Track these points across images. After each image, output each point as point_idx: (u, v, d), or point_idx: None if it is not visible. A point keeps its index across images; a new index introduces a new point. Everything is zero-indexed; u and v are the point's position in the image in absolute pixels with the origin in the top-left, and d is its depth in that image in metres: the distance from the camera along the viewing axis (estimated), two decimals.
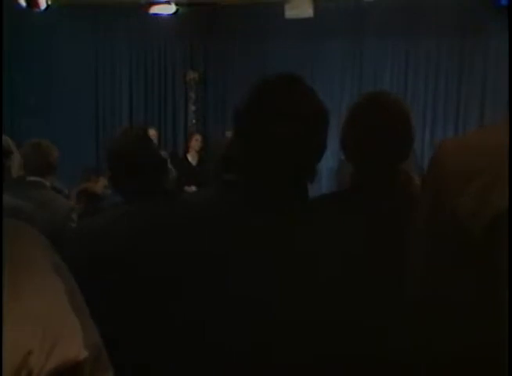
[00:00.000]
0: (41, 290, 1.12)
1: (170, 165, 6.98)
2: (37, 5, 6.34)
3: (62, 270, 1.24)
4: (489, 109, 6.60)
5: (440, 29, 6.55)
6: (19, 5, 6.25)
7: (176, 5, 6.86)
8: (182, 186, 6.82)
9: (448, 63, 6.68)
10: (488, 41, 6.53)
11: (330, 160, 7.09)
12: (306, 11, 6.20)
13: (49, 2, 6.41)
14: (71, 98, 7.22)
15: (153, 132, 6.91)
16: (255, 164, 1.19)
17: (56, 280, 1.17)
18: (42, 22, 6.69)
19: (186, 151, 6.94)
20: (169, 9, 6.89)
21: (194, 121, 7.22)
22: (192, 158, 6.89)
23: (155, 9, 6.87)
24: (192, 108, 7.21)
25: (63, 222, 2.55)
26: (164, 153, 6.95)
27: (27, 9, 6.29)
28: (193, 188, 6.71)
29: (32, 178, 2.66)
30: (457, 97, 6.71)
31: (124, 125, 7.32)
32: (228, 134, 6.45)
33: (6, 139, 2.52)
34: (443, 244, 0.97)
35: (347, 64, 6.98)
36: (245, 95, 1.19)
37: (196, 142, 6.88)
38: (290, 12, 6.25)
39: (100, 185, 4.34)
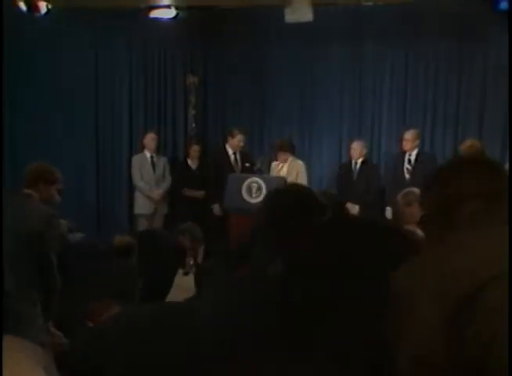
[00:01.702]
0: None
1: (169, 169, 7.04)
2: (37, 9, 6.36)
3: None
4: (488, 111, 6.62)
5: (439, 31, 6.57)
6: (19, 9, 6.27)
7: (176, 9, 6.88)
8: (180, 189, 6.84)
9: (448, 65, 6.69)
10: (488, 45, 6.55)
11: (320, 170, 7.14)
12: (306, 15, 6.20)
13: (49, 7, 6.43)
14: (71, 101, 7.21)
15: (152, 136, 6.94)
16: None
17: None
18: (42, 26, 6.69)
19: (186, 156, 6.96)
20: (169, 13, 6.91)
21: (194, 124, 7.22)
22: (192, 162, 6.91)
23: (155, 13, 6.88)
24: (192, 112, 7.21)
25: (43, 228, 2.88)
26: (163, 158, 7.01)
27: (27, 13, 6.31)
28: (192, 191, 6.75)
29: (25, 191, 3.14)
30: (457, 99, 6.71)
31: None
32: (232, 139, 6.47)
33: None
34: None
35: (347, 67, 6.99)
36: None
37: (194, 152, 6.90)
38: (290, 17, 6.25)
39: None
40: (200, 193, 6.74)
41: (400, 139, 6.52)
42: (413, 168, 6.40)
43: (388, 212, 6.52)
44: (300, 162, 6.54)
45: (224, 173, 6.15)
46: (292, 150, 6.55)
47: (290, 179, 6.21)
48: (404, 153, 6.47)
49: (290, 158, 6.50)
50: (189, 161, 6.91)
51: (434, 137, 6.80)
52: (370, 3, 6.69)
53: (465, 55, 6.64)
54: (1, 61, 6.63)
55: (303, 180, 6.46)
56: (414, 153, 6.43)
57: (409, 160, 6.45)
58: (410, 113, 6.83)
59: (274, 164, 6.56)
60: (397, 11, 6.62)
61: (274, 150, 6.55)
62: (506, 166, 6.22)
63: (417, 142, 6.42)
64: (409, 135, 6.41)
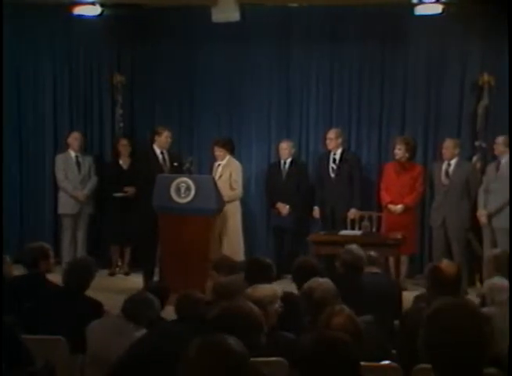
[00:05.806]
0: None
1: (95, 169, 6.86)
2: None
3: None
4: (409, 110, 6.83)
5: (363, 33, 6.75)
6: None
7: (101, 6, 6.71)
8: (110, 189, 6.69)
9: (371, 66, 6.86)
10: (407, 48, 6.76)
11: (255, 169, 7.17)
12: (233, 14, 6.21)
13: None
14: None
15: (76, 135, 6.78)
16: None
17: None
18: None
19: (117, 156, 6.83)
20: (94, 11, 6.71)
21: (121, 124, 7.08)
22: (123, 162, 6.81)
23: (79, 10, 6.67)
24: (120, 111, 7.07)
25: None
26: (88, 158, 6.84)
27: None
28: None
29: None
30: (380, 99, 6.86)
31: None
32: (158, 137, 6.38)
33: None
34: None
35: (274, 67, 7.04)
36: None
37: (123, 147, 6.79)
38: (217, 16, 6.25)
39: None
40: (130, 189, 6.61)
41: (324, 138, 6.63)
42: (338, 167, 6.53)
43: (316, 211, 6.64)
44: (237, 162, 6.48)
45: (152, 173, 6.07)
46: (229, 147, 6.48)
47: (224, 178, 6.21)
48: (329, 152, 6.59)
49: (228, 157, 6.44)
50: (121, 161, 6.80)
51: (359, 136, 6.94)
52: (295, 4, 6.79)
53: (386, 59, 6.81)
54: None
55: (237, 180, 6.38)
56: (339, 152, 6.56)
57: (334, 160, 6.57)
58: (337, 113, 6.95)
59: (215, 164, 6.49)
60: (322, 12, 6.75)
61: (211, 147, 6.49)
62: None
63: (340, 140, 6.55)
64: (331, 133, 6.54)
